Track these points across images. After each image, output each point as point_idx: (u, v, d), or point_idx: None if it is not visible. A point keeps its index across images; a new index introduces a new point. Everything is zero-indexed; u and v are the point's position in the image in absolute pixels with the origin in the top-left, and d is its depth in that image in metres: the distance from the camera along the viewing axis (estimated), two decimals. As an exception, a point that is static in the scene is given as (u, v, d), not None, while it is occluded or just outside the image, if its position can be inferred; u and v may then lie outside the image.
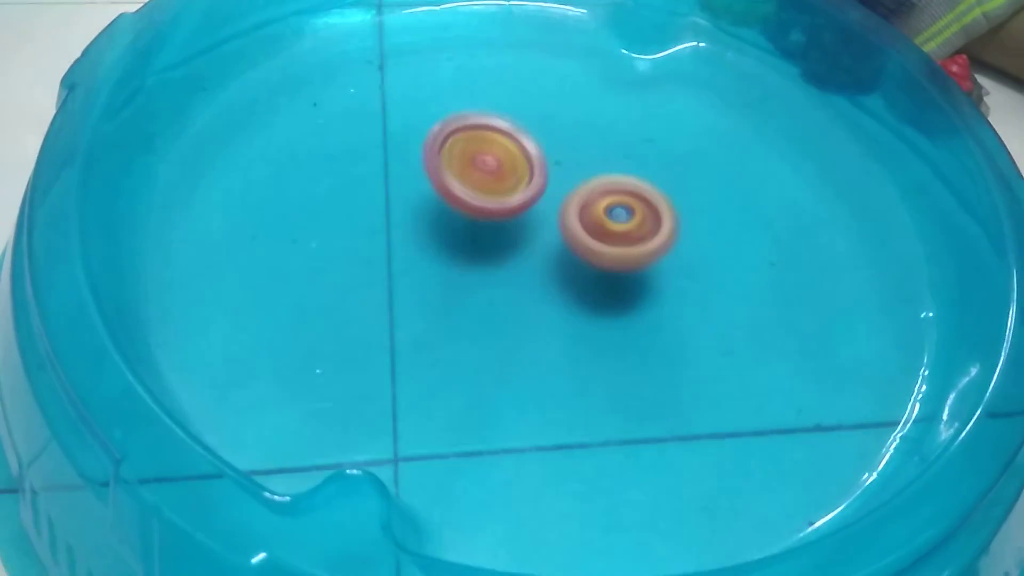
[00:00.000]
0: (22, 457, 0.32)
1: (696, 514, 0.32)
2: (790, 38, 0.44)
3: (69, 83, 0.37)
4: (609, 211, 0.34)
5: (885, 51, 0.42)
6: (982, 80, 0.49)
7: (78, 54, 0.37)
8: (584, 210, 0.34)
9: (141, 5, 0.40)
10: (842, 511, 0.32)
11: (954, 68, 0.46)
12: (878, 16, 0.43)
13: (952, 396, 0.34)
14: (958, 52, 0.48)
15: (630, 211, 0.34)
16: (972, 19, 0.47)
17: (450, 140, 0.35)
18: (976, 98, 0.47)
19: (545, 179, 0.36)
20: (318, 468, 0.31)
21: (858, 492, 0.32)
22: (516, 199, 0.35)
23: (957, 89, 0.41)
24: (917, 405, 0.34)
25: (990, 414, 0.31)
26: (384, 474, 0.31)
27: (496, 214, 0.35)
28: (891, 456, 0.33)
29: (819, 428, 0.34)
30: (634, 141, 0.42)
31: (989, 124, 0.40)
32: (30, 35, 0.49)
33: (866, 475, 0.33)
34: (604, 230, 0.34)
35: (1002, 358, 0.32)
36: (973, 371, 0.34)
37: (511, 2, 0.46)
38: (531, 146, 0.36)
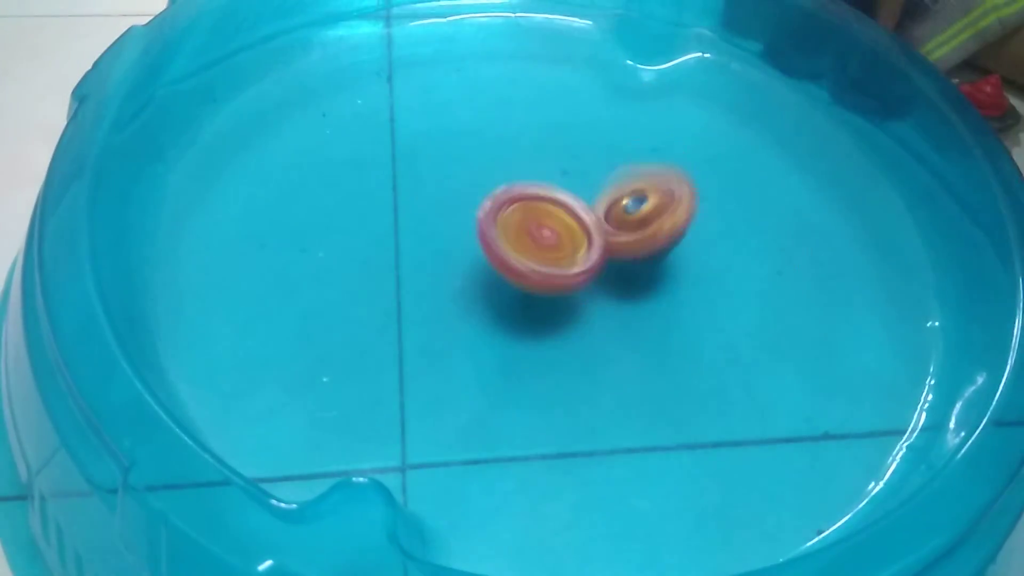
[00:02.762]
0: (31, 464, 0.32)
1: (703, 522, 0.32)
2: (808, 59, 0.44)
3: (80, 94, 0.37)
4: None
5: (897, 66, 0.42)
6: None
7: (89, 66, 0.38)
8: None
9: (151, 17, 0.40)
10: (850, 519, 0.32)
11: (987, 88, 0.46)
12: (892, 31, 0.43)
13: (959, 405, 0.34)
14: (990, 73, 0.48)
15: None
16: (987, 24, 0.47)
17: (506, 211, 0.34)
18: (1012, 118, 0.47)
19: (603, 251, 0.34)
20: (326, 476, 0.31)
21: (865, 501, 0.32)
22: (575, 269, 0.34)
23: (960, 97, 0.41)
24: (924, 414, 0.34)
25: (996, 423, 0.31)
26: (392, 482, 0.31)
27: (556, 285, 0.34)
28: (898, 465, 0.33)
29: (826, 437, 0.34)
30: (640, 151, 0.42)
31: (994, 133, 0.40)
32: (42, 47, 0.49)
33: (873, 484, 0.33)
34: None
35: (1008, 367, 0.32)
36: (979, 380, 0.34)
37: (518, 14, 0.46)
38: (588, 217, 0.35)
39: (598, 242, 0.34)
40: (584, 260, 0.34)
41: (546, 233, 0.34)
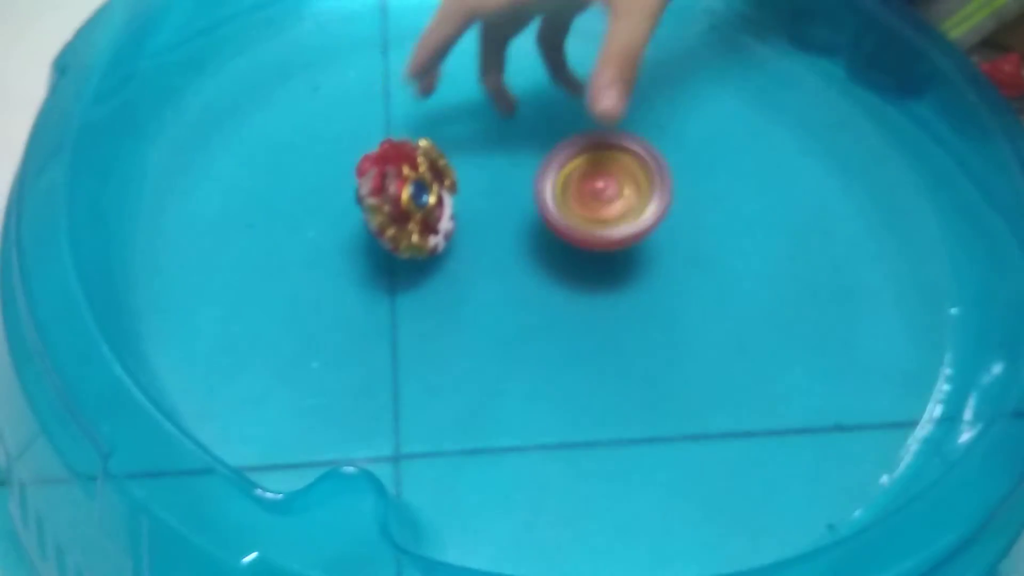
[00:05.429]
0: (10, 450, 0.31)
1: (710, 517, 0.31)
2: (823, 34, 0.42)
3: (61, 65, 0.36)
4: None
5: (915, 43, 0.40)
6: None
7: (71, 35, 0.37)
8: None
9: (136, -15, 0.39)
10: (862, 514, 0.31)
11: (1007, 67, 0.45)
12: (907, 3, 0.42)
13: (975, 395, 0.33)
14: (1010, 51, 0.47)
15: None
16: (1003, 3, 0.46)
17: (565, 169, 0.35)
18: None
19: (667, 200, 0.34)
20: (315, 465, 0.30)
21: (878, 494, 0.31)
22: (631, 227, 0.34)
23: (980, 76, 0.39)
24: (939, 405, 0.33)
25: (1015, 414, 0.30)
26: (384, 472, 0.30)
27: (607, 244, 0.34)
28: (912, 457, 0.32)
29: (838, 428, 0.33)
30: (646, 127, 0.40)
31: (1015, 116, 0.38)
32: (22, 14, 0.48)
33: (886, 477, 0.32)
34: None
35: (1027, 356, 0.31)
36: (997, 370, 0.33)
37: (519, -15, 0.44)
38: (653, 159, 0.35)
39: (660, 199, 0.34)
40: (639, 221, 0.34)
41: (604, 187, 0.34)
